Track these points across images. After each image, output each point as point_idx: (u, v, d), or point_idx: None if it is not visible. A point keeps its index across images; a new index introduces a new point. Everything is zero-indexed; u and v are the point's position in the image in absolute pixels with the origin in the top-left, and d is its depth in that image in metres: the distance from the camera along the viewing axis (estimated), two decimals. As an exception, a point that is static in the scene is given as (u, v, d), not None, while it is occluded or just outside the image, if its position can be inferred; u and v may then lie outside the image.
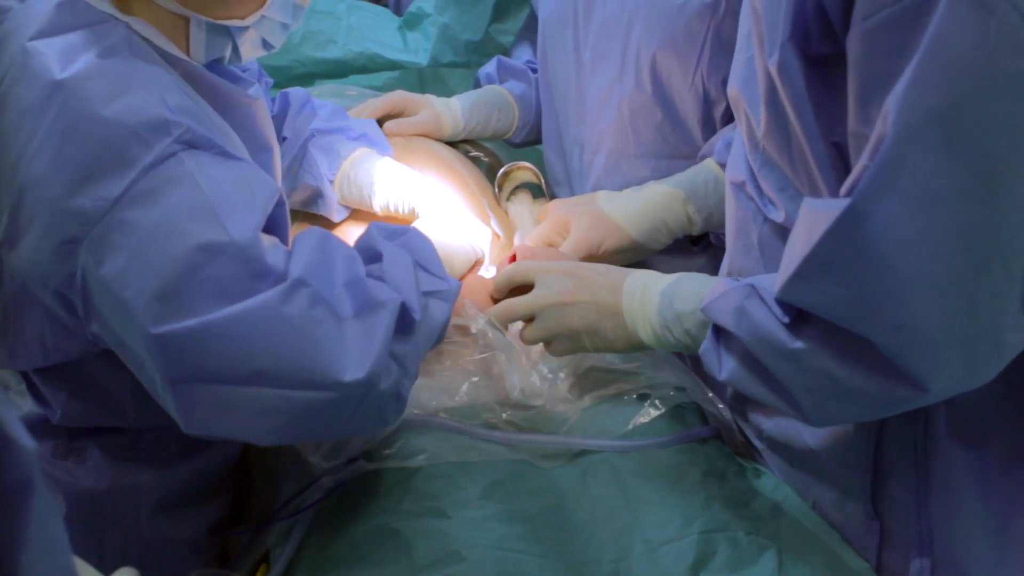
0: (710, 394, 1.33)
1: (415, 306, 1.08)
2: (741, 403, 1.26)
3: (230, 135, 1.13)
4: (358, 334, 1.01)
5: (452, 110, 1.71)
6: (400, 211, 1.45)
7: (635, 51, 1.51)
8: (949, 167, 0.83)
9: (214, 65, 1.18)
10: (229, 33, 1.13)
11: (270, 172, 1.27)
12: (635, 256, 1.48)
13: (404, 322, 1.07)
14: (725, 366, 1.06)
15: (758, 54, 1.00)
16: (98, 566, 0.93)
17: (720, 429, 1.28)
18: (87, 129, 1.00)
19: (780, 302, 0.97)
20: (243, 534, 1.24)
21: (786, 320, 0.96)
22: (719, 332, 1.07)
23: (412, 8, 2.03)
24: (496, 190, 1.64)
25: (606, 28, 1.55)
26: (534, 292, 1.23)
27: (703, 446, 1.24)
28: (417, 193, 1.43)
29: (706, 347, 1.08)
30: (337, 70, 1.95)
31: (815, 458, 1.14)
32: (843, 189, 0.88)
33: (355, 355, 1.00)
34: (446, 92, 1.94)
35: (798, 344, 0.95)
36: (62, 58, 1.03)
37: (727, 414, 1.31)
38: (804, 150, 0.97)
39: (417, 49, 1.99)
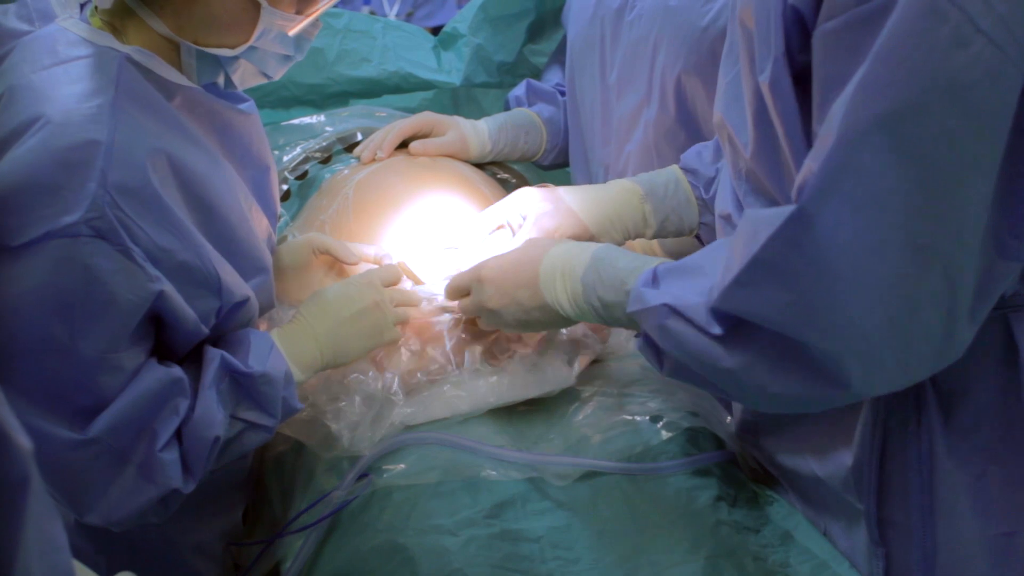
0: (728, 418, 1.32)
1: (202, 458, 1.11)
2: (753, 433, 1.25)
3: (221, 167, 1.14)
4: (126, 488, 1.07)
5: (479, 132, 1.72)
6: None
7: (660, 74, 1.52)
8: (893, 172, 0.83)
9: (211, 84, 1.20)
10: (219, 62, 1.15)
11: (267, 192, 1.29)
12: None
13: (185, 473, 1.11)
14: (665, 365, 1.07)
15: (747, 73, 1.00)
16: (106, 571, 0.94)
17: (736, 454, 1.28)
18: (24, 164, 1.00)
19: (715, 311, 0.97)
20: (255, 545, 1.25)
21: (718, 332, 0.96)
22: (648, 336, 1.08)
23: (446, 28, 2.05)
24: (520, 211, 1.65)
25: (632, 51, 1.56)
26: (471, 296, 1.28)
27: (716, 470, 1.23)
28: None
29: (641, 345, 1.10)
30: (371, 89, 1.97)
31: (822, 486, 1.13)
32: (793, 191, 0.89)
33: (109, 506, 1.07)
34: (479, 112, 1.95)
35: (730, 362, 0.96)
36: (44, 93, 1.04)
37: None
38: (792, 167, 0.97)
39: (451, 69, 2.01)
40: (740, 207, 1.09)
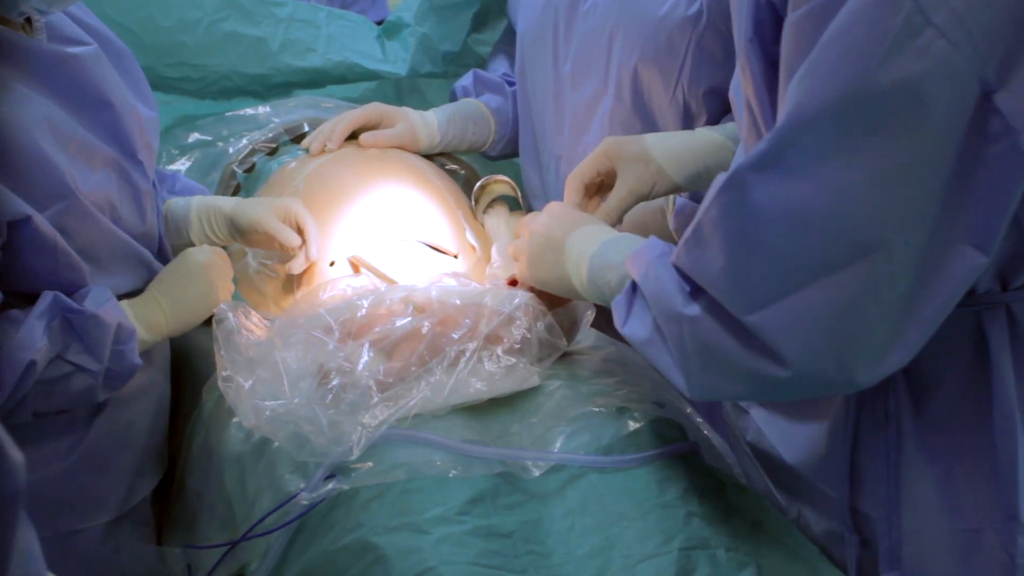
0: (688, 409, 1.33)
1: (12, 377, 1.14)
2: (735, 415, 1.25)
3: (25, 103, 1.16)
4: None
5: (428, 123, 1.70)
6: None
7: (616, 64, 1.51)
8: (834, 156, 0.83)
9: (49, 27, 1.23)
10: None
11: (116, 128, 1.29)
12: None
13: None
14: (630, 323, 1.05)
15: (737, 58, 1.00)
16: None
17: (700, 445, 1.28)
18: None
19: (677, 269, 0.96)
20: (216, 548, 1.22)
21: (688, 288, 0.95)
22: (635, 288, 1.05)
23: (391, 18, 2.02)
24: (472, 203, 1.64)
25: (587, 41, 1.55)
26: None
27: (684, 462, 1.23)
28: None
29: (619, 299, 1.08)
30: (316, 79, 1.94)
31: (792, 473, 1.14)
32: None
33: None
34: (424, 103, 1.93)
35: (689, 309, 0.94)
36: None
37: (706, 429, 1.30)
38: None
39: (396, 59, 1.98)
40: None
